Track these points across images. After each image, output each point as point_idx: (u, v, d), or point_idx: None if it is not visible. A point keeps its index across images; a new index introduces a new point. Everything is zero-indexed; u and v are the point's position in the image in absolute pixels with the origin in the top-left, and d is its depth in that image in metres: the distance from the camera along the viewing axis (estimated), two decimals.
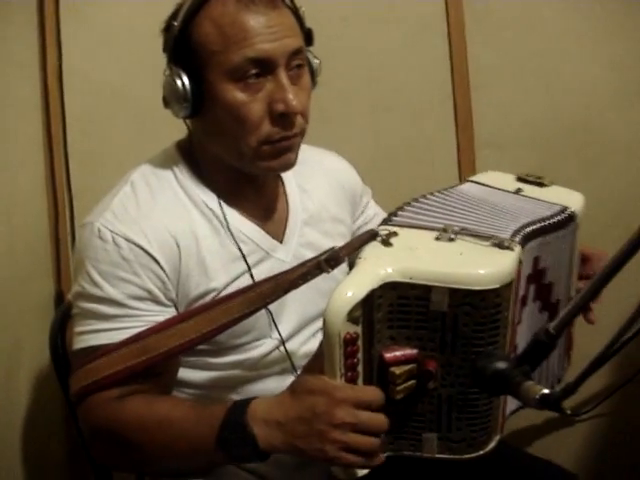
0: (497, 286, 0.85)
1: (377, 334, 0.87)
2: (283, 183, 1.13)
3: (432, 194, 1.05)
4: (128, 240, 0.97)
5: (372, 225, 1.23)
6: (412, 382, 0.88)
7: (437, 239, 0.91)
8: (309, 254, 1.06)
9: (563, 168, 1.62)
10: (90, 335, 0.98)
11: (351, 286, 0.84)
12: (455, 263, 0.87)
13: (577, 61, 1.64)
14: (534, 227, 0.96)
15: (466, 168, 1.61)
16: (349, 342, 0.84)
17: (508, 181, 1.11)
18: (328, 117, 1.50)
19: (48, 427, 1.48)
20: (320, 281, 1.03)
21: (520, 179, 1.11)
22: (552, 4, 1.61)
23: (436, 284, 0.84)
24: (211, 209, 1.04)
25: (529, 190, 1.07)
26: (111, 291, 0.97)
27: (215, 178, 1.05)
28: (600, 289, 0.74)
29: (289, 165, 1.03)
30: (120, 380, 0.95)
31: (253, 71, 0.95)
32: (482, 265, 0.86)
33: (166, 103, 1.01)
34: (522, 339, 0.97)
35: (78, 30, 1.48)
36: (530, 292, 0.97)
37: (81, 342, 0.99)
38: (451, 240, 0.90)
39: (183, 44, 0.97)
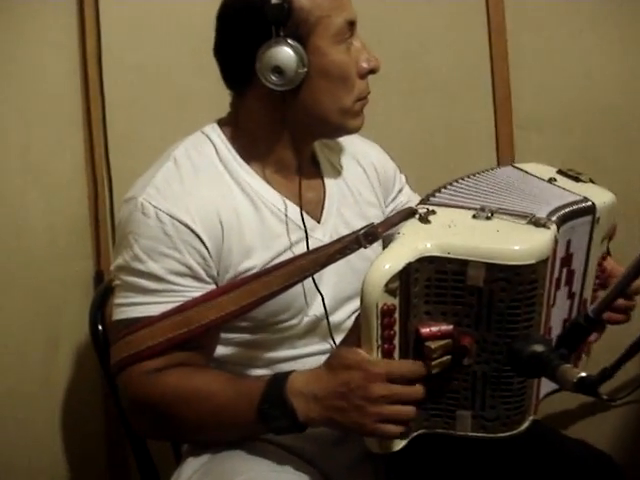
0: (533, 262, 0.85)
1: (413, 309, 0.88)
2: (319, 165, 1.15)
3: (468, 177, 1.05)
4: (171, 216, 0.98)
5: None
6: (447, 357, 0.88)
7: (474, 217, 0.92)
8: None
9: (601, 151, 1.61)
10: (130, 307, 1.00)
11: (389, 258, 0.85)
12: (492, 239, 0.87)
13: (616, 43, 1.62)
14: (569, 209, 0.96)
15: (504, 150, 1.60)
16: (386, 313, 0.85)
17: (547, 172, 1.10)
18: None
19: (87, 405, 1.51)
20: (356, 260, 1.04)
21: (560, 172, 1.10)
22: None
23: (473, 259, 0.85)
24: (252, 187, 1.05)
25: (562, 182, 1.07)
26: (152, 266, 0.98)
27: (260, 157, 1.06)
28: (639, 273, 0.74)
29: (362, 123, 1.08)
30: (160, 352, 0.97)
31: (348, 33, 1.03)
32: (518, 241, 0.87)
33: (269, 76, 0.99)
34: (556, 323, 0.97)
35: (117, 10, 1.50)
36: (563, 275, 0.98)
37: (120, 314, 1.01)
38: (488, 218, 0.91)
39: (286, 15, 0.98)
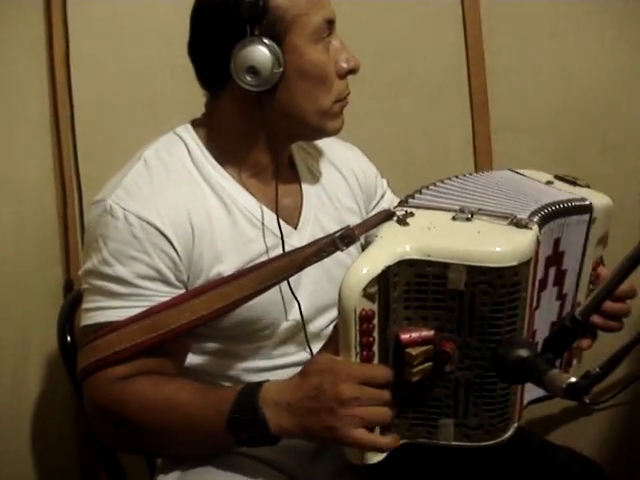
0: (515, 264, 0.83)
1: (393, 314, 0.85)
2: (297, 169, 1.12)
3: (457, 177, 1.03)
4: (140, 218, 0.96)
5: None
6: (428, 364, 0.86)
7: (454, 219, 0.90)
8: None
9: (581, 153, 1.60)
10: (97, 312, 0.97)
11: (367, 262, 0.83)
12: (472, 241, 0.85)
13: (595, 43, 1.62)
14: (553, 208, 0.94)
15: (482, 153, 1.59)
16: (364, 319, 0.83)
17: (545, 176, 1.09)
18: None
19: (57, 416, 1.48)
20: (334, 268, 1.02)
21: (557, 177, 1.09)
22: None
23: (454, 261, 0.83)
24: (225, 190, 1.02)
25: (559, 185, 1.05)
26: (121, 270, 0.95)
27: (235, 160, 1.04)
28: (628, 274, 0.72)
29: (342, 125, 1.05)
30: (128, 358, 0.94)
31: (326, 32, 1.00)
32: (500, 243, 0.85)
33: (243, 77, 0.97)
34: (541, 325, 0.95)
35: (85, 11, 1.47)
36: (550, 275, 0.95)
37: (88, 319, 0.98)
38: (468, 220, 0.89)
39: (262, 13, 0.96)
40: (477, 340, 0.86)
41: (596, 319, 1.01)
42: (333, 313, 1.07)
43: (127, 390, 0.94)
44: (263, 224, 1.03)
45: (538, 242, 0.88)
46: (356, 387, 0.84)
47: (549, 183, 1.05)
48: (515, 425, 0.93)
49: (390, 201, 1.23)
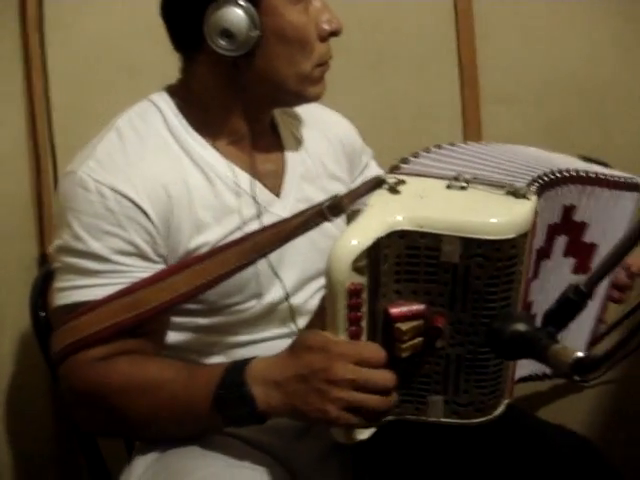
0: (513, 236, 0.80)
1: (382, 288, 0.82)
2: (280, 136, 1.08)
3: (465, 144, 1.00)
4: (114, 190, 0.91)
5: None
6: (419, 340, 0.83)
7: (448, 187, 0.85)
8: None
9: (573, 125, 1.57)
10: (72, 291, 0.92)
11: (356, 233, 0.79)
12: (468, 212, 0.81)
13: (588, 11, 1.58)
14: (558, 175, 0.89)
15: (471, 125, 1.55)
16: (353, 293, 0.79)
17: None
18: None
19: (32, 393, 1.43)
20: (319, 238, 0.98)
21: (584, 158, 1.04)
22: None
23: (448, 233, 0.79)
24: (204, 158, 0.98)
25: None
26: (94, 245, 0.91)
27: (212, 127, 0.99)
28: (634, 245, 0.68)
29: (324, 90, 1.01)
30: (106, 338, 0.90)
31: None
32: (497, 213, 0.81)
33: (217, 40, 0.92)
34: (541, 297, 0.92)
35: None
36: (557, 245, 0.92)
37: (62, 298, 0.93)
38: (463, 189, 0.85)
39: None
40: (470, 315, 0.82)
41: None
42: (318, 283, 1.04)
43: (108, 371, 0.90)
44: (243, 191, 0.99)
45: (536, 212, 0.84)
46: (349, 368, 0.80)
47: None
48: (506, 402, 0.90)
49: (375, 172, 1.19)
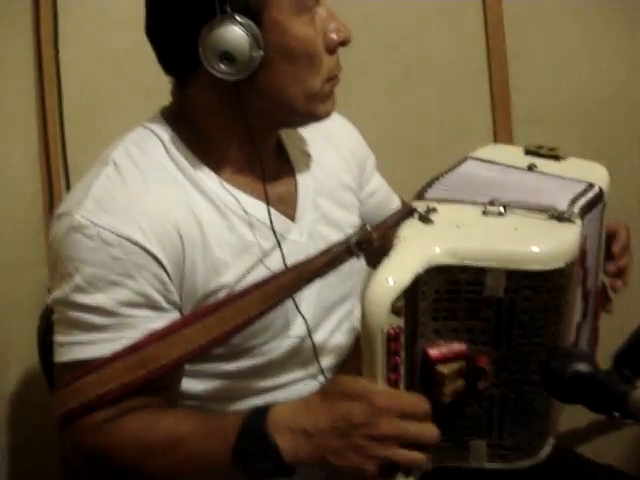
0: (563, 265, 0.73)
1: (420, 327, 0.75)
2: (287, 154, 1.00)
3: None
4: (118, 234, 0.82)
5: (379, 198, 1.12)
6: (461, 382, 0.76)
7: (484, 214, 0.79)
8: (325, 230, 0.95)
9: (609, 144, 1.51)
10: (74, 347, 0.83)
11: (392, 271, 0.72)
12: (511, 240, 0.75)
13: (622, 31, 1.52)
14: (587, 198, 0.84)
15: None
16: (392, 338, 0.72)
17: (516, 156, 0.97)
18: (346, 91, 1.42)
19: (40, 425, 1.36)
20: None
21: (530, 152, 0.97)
22: None
23: (492, 265, 0.72)
24: (212, 189, 0.89)
25: (544, 165, 0.94)
26: (99, 297, 0.82)
27: (217, 155, 0.91)
28: None
29: (334, 107, 0.93)
30: (114, 400, 0.81)
31: (312, 0, 0.86)
32: (543, 241, 0.74)
33: (216, 65, 0.83)
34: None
35: None
36: (578, 276, 0.85)
37: (64, 355, 0.84)
38: (501, 215, 0.78)
39: None
40: (516, 352, 0.76)
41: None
42: (338, 315, 0.97)
43: (118, 432, 0.81)
44: (259, 222, 0.91)
45: (584, 237, 0.78)
46: (394, 423, 0.72)
47: (532, 167, 0.93)
48: (552, 441, 0.83)
49: (378, 181, 1.13)
